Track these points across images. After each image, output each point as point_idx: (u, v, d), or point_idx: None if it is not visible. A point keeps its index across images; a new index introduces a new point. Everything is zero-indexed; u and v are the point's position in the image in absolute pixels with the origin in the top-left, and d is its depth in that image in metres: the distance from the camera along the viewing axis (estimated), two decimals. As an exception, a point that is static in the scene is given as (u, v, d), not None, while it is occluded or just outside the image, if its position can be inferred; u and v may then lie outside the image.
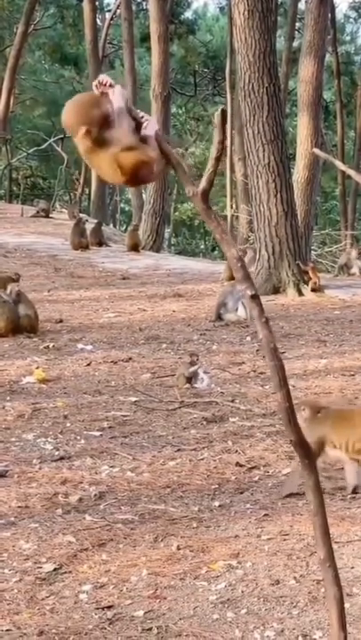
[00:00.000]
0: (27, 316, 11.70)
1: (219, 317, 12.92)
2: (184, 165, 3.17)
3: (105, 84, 3.26)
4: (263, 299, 12.22)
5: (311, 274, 15.51)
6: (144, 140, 3.23)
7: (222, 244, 3.07)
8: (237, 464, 6.77)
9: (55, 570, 5.01)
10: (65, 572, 4.99)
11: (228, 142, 29.04)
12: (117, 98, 3.24)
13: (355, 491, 6.10)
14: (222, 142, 3.05)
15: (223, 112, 3.05)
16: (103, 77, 3.29)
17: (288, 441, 3.16)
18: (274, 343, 3.04)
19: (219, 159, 3.10)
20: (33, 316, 11.78)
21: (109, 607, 4.58)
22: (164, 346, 11.27)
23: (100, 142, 3.21)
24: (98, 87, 3.27)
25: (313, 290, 15.09)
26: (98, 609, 4.57)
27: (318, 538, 3.11)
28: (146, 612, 4.52)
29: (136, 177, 3.22)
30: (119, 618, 4.48)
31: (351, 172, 5.11)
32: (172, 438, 7.52)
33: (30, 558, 5.17)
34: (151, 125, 3.22)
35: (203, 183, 3.05)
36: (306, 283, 15.29)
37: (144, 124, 3.23)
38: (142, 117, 3.26)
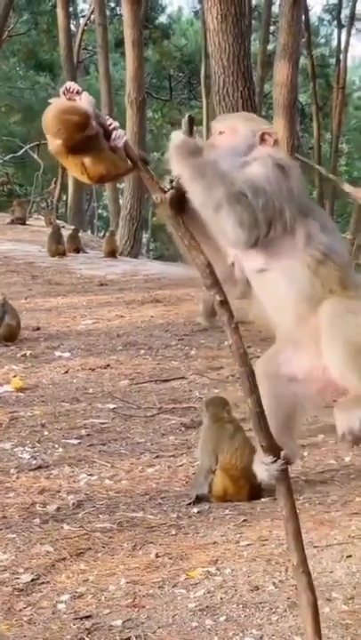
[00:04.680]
0: (8, 325, 11.60)
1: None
2: (152, 173, 3.17)
3: (72, 91, 3.25)
4: (242, 303, 12.17)
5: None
6: (113, 149, 3.24)
7: (190, 251, 3.06)
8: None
9: (33, 580, 4.98)
10: (43, 583, 4.96)
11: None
12: (85, 105, 3.23)
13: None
14: None
15: (190, 118, 3.06)
16: (70, 84, 3.28)
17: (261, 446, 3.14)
18: (244, 349, 3.03)
19: None
20: (15, 326, 11.70)
21: (88, 617, 4.56)
22: (143, 352, 11.24)
23: (71, 151, 3.23)
24: (65, 94, 3.26)
25: None
26: (76, 619, 4.54)
27: (291, 544, 3.11)
28: (124, 621, 4.49)
29: (100, 181, 3.29)
30: (97, 627, 4.45)
31: (332, 177, 5.12)
32: (150, 445, 7.50)
33: (8, 569, 5.13)
34: (120, 137, 3.23)
35: (170, 189, 3.05)
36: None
37: (113, 135, 3.23)
38: (110, 125, 3.25)
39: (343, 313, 3.05)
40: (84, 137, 3.18)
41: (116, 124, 3.27)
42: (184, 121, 3.08)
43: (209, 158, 3.08)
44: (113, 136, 3.24)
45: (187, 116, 3.10)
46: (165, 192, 3.09)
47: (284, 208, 3.04)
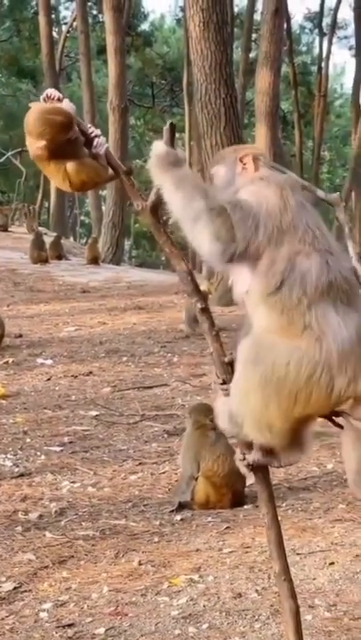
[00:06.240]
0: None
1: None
2: (133, 180, 3.17)
3: (53, 98, 3.24)
4: (223, 309, 12.15)
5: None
6: (94, 156, 3.24)
7: (172, 258, 3.06)
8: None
9: (15, 589, 4.95)
10: (25, 591, 4.93)
11: (186, 154, 29.23)
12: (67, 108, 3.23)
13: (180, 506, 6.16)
14: None
15: (172, 125, 3.04)
16: (51, 91, 3.27)
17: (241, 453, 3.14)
18: (225, 356, 3.04)
19: None
20: (-1, 336, 11.69)
21: (70, 625, 4.53)
22: (125, 359, 11.24)
23: (54, 154, 3.21)
24: (46, 101, 3.25)
25: None
26: (58, 627, 4.51)
27: (273, 551, 3.11)
28: (107, 630, 4.47)
29: (82, 189, 3.28)
30: (80, 636, 4.43)
31: (306, 183, 5.12)
32: (133, 452, 7.49)
33: (-11, 578, 5.10)
34: (101, 144, 3.22)
35: (152, 197, 3.05)
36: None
37: (94, 142, 3.23)
38: (92, 133, 3.25)
39: (250, 360, 2.95)
40: (67, 140, 3.16)
41: (97, 131, 3.26)
42: (165, 129, 3.04)
43: (190, 171, 3.04)
44: (94, 143, 3.23)
45: (168, 123, 3.06)
46: (146, 200, 3.09)
47: (259, 228, 2.92)
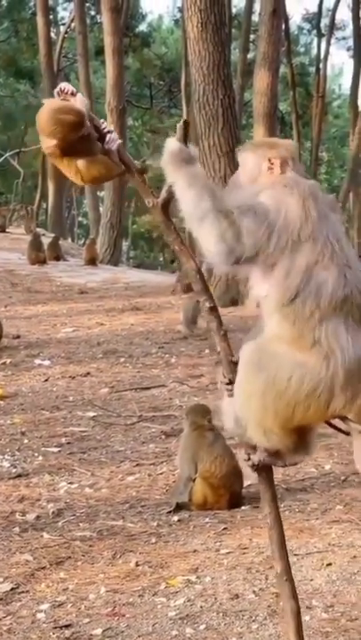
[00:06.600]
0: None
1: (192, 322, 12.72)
2: (144, 177, 3.18)
3: (67, 92, 3.24)
4: (222, 310, 12.19)
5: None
6: (106, 152, 3.25)
7: (181, 256, 3.06)
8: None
9: (12, 589, 4.95)
10: (22, 592, 4.93)
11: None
12: (79, 105, 3.23)
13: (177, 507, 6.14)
14: None
15: (185, 123, 3.04)
16: (65, 85, 3.27)
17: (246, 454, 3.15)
18: (232, 356, 3.05)
19: None
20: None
21: (67, 626, 4.53)
22: (123, 360, 11.23)
23: (66, 152, 3.23)
24: (59, 95, 3.25)
25: None
26: (56, 628, 4.52)
27: (275, 552, 3.10)
28: (104, 630, 4.47)
29: (94, 183, 3.31)
30: (77, 637, 4.43)
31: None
32: (130, 453, 7.48)
33: (-13, 578, 5.10)
34: (113, 140, 3.23)
35: (163, 194, 3.05)
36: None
37: (107, 138, 3.23)
38: (104, 129, 3.26)
39: (252, 364, 2.97)
40: (79, 137, 3.17)
41: (110, 127, 3.27)
42: (179, 126, 3.03)
43: (202, 169, 3.03)
44: (107, 139, 3.24)
45: (182, 121, 3.06)
46: (157, 197, 3.09)
47: (271, 239, 2.89)
